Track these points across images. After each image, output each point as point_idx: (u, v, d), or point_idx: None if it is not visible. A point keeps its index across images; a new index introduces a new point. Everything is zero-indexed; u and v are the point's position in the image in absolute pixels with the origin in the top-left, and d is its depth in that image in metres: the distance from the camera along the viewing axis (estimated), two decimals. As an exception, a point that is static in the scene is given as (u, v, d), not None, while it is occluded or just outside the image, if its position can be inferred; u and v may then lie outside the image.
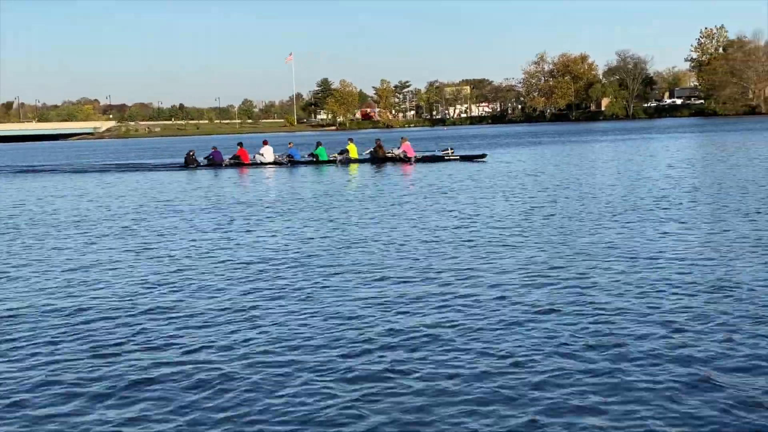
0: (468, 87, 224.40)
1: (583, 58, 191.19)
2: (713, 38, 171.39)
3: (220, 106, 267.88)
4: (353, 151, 43.34)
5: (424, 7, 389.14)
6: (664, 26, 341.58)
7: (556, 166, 36.06)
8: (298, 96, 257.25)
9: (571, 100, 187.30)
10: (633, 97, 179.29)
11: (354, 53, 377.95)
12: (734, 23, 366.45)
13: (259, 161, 43.78)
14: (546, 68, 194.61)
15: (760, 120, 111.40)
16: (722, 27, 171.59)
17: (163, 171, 43.97)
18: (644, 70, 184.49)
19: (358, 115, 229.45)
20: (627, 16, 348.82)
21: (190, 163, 44.84)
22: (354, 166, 41.00)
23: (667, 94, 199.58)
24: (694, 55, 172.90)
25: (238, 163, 43.94)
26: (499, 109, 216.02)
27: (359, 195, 25.25)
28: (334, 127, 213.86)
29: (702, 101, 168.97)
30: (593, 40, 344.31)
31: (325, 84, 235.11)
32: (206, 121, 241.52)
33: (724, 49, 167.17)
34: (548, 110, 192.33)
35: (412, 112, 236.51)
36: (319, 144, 44.45)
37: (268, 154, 44.06)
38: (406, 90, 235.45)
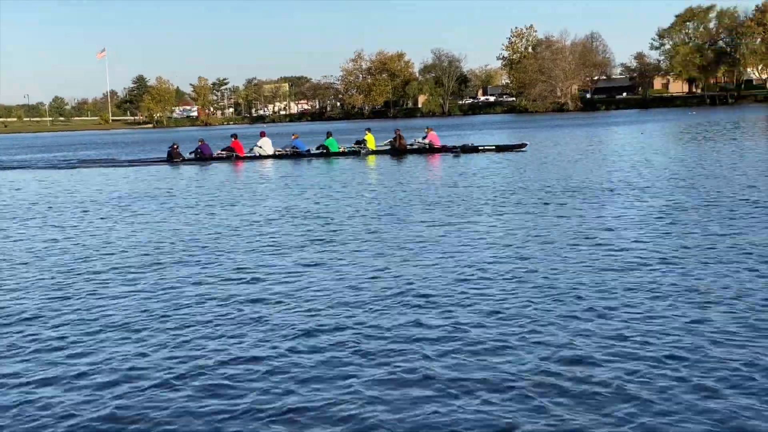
0: (287, 84, 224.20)
1: (400, 56, 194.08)
2: (523, 38, 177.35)
3: (30, 103, 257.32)
4: (371, 142, 41.38)
5: (242, 5, 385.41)
6: (477, 25, 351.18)
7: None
8: (113, 93, 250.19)
9: (389, 98, 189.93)
10: (448, 94, 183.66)
11: (171, 50, 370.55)
12: (543, 23, 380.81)
13: (257, 154, 41.68)
14: (364, 66, 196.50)
15: (568, 117, 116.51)
16: (531, 27, 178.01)
17: (143, 166, 41.78)
18: (459, 68, 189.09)
19: (176, 113, 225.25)
20: (442, 15, 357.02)
21: (174, 158, 42.60)
22: (371, 158, 38.90)
23: (480, 91, 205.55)
24: (506, 54, 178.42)
25: (230, 156, 41.64)
26: (318, 107, 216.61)
27: (380, 192, 23.07)
28: (150, 125, 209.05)
29: (514, 99, 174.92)
30: (409, 39, 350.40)
31: (141, 81, 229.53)
32: (15, 119, 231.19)
33: (533, 49, 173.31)
34: (367, 107, 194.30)
35: (231, 110, 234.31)
36: (329, 134, 42.60)
37: (266, 146, 42.03)
38: (224, 87, 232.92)
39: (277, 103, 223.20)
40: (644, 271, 11.04)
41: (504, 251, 12.85)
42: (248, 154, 41.86)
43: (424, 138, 40.53)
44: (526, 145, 40.04)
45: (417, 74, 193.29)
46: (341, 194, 22.63)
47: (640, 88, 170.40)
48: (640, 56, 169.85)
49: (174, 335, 8.85)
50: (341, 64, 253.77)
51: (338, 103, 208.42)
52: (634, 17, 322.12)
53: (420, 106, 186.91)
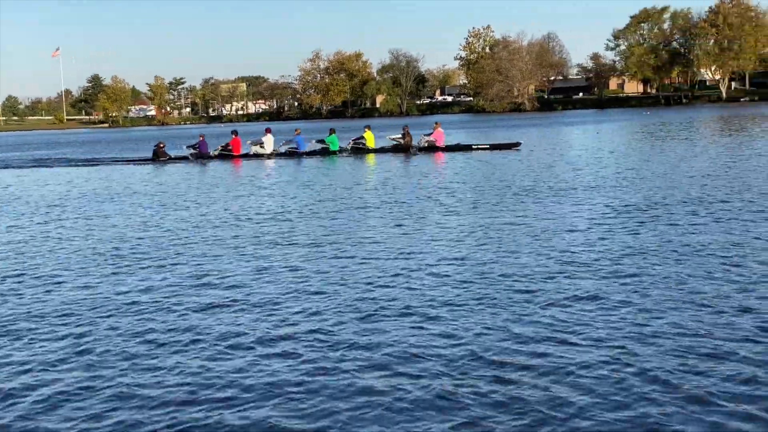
0: (244, 84, 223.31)
1: (358, 56, 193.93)
2: (480, 38, 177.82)
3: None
4: (370, 140, 40.50)
5: (199, 4, 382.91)
6: (435, 25, 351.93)
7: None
8: (67, 92, 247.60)
9: (347, 98, 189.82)
10: (406, 94, 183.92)
11: (127, 50, 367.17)
12: (500, 23, 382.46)
13: (253, 152, 40.86)
14: (322, 66, 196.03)
15: (525, 117, 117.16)
16: (489, 27, 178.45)
17: (126, 165, 41.17)
18: (416, 68, 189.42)
19: (132, 112, 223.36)
20: (400, 15, 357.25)
21: (160, 156, 41.76)
22: (371, 157, 38.24)
23: (438, 91, 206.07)
24: (463, 54, 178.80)
25: (227, 154, 40.81)
26: (275, 107, 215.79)
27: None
28: (106, 125, 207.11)
29: (471, 99, 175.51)
30: (367, 39, 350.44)
31: (96, 80, 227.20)
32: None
33: (490, 49, 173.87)
34: (325, 107, 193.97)
35: (188, 109, 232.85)
36: (332, 131, 41.46)
37: (268, 143, 41.08)
38: (180, 87, 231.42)
39: (235, 103, 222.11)
40: (593, 271, 11.20)
41: (456, 250, 12.97)
42: (248, 152, 41.03)
43: (429, 135, 39.86)
44: (520, 144, 39.74)
45: (375, 74, 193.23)
46: (309, 195, 22.64)
47: (596, 89, 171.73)
48: (596, 57, 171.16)
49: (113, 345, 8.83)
50: (299, 64, 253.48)
51: (296, 103, 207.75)
52: (590, 18, 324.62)
53: (378, 105, 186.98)
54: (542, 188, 21.49)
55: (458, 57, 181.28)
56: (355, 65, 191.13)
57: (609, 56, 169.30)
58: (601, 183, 22.18)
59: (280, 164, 35.99)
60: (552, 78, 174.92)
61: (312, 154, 40.44)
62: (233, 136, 41.79)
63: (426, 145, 39.22)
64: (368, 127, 42.25)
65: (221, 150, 41.17)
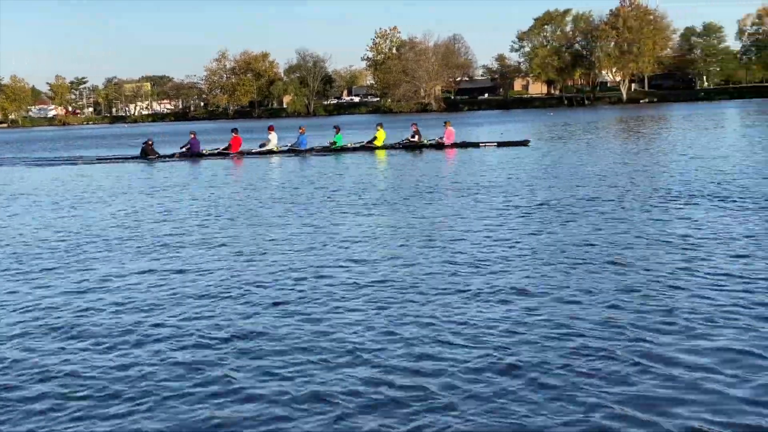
0: (148, 84, 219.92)
1: (264, 56, 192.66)
2: (387, 39, 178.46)
3: None
4: (381, 138, 39.75)
5: (97, 4, 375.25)
6: (341, 26, 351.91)
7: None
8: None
9: (254, 98, 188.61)
10: (313, 94, 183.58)
11: (27, 49, 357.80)
12: (406, 24, 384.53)
13: (255, 150, 39.82)
14: (228, 66, 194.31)
15: (432, 117, 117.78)
16: (395, 28, 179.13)
17: (114, 163, 39.62)
18: (323, 68, 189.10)
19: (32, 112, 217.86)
20: (306, 15, 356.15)
21: (149, 154, 40.03)
22: (382, 153, 37.60)
23: (345, 92, 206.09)
24: (370, 55, 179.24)
25: (224, 153, 39.61)
26: (181, 107, 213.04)
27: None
28: (5, 125, 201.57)
29: (378, 99, 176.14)
30: (274, 39, 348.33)
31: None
32: None
33: (397, 50, 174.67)
34: (231, 107, 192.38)
35: (90, 110, 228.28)
36: (337, 129, 40.74)
37: (272, 141, 40.04)
38: (83, 87, 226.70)
39: (139, 103, 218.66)
40: (486, 270, 11.38)
41: (371, 249, 13.05)
42: (256, 150, 40.04)
43: (441, 137, 39.40)
44: (528, 141, 39.31)
45: (282, 74, 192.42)
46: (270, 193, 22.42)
47: (501, 90, 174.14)
48: (501, 58, 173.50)
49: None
50: (205, 64, 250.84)
51: (202, 103, 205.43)
52: (496, 20, 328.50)
53: (285, 106, 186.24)
54: (442, 188, 21.75)
55: (365, 58, 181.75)
56: (261, 65, 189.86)
57: (514, 58, 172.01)
58: (501, 184, 22.46)
59: (282, 162, 35.57)
60: (458, 79, 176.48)
61: (314, 151, 39.59)
62: (233, 135, 40.71)
63: (433, 142, 39.12)
64: (380, 125, 41.54)
65: (221, 150, 40.27)
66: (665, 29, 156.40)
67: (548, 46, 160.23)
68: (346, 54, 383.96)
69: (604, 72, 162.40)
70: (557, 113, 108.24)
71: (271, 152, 39.60)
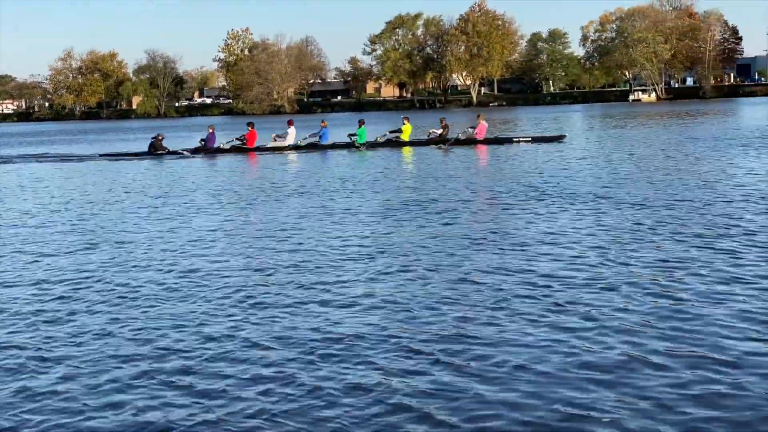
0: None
1: (113, 56, 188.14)
2: (239, 40, 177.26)
3: None
4: (407, 132, 38.22)
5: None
6: (193, 26, 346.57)
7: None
8: None
9: (102, 98, 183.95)
10: (164, 96, 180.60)
11: None
12: (259, 26, 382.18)
13: (271, 145, 38.04)
14: (74, 65, 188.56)
15: (285, 119, 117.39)
16: (247, 29, 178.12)
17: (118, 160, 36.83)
18: (174, 69, 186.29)
19: None
20: (156, 15, 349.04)
21: (158, 149, 37.67)
22: (407, 149, 35.88)
23: (197, 93, 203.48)
24: (222, 56, 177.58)
25: (241, 148, 37.73)
26: (24, 107, 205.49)
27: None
28: None
29: (231, 101, 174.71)
30: (123, 38, 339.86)
31: None
32: None
33: (249, 51, 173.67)
34: (78, 108, 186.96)
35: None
36: (361, 123, 39.03)
37: (291, 136, 38.48)
38: None
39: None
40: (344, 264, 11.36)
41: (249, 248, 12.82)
42: (273, 144, 38.47)
43: (473, 127, 37.86)
44: (565, 136, 38.27)
45: (131, 75, 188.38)
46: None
47: (354, 92, 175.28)
48: (353, 61, 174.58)
49: None
50: (50, 64, 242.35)
51: (47, 104, 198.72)
52: (348, 23, 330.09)
53: (135, 107, 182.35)
54: (310, 188, 21.67)
55: (217, 59, 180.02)
56: (109, 65, 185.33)
57: (366, 61, 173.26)
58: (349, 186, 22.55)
59: (301, 157, 34.41)
60: (311, 81, 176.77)
61: (336, 146, 38.41)
62: (249, 128, 38.91)
63: (463, 137, 37.64)
64: (407, 118, 40.06)
65: (236, 142, 38.61)
66: (513, 34, 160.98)
67: (400, 50, 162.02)
68: (198, 55, 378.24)
69: (454, 75, 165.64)
70: (411, 115, 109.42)
71: (290, 147, 38.34)
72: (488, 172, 25.43)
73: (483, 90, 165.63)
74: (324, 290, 10.09)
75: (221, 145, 38.51)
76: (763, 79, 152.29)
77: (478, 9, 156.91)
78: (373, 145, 37.64)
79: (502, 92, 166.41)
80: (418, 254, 12.05)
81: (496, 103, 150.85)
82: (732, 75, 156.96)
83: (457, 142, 36.85)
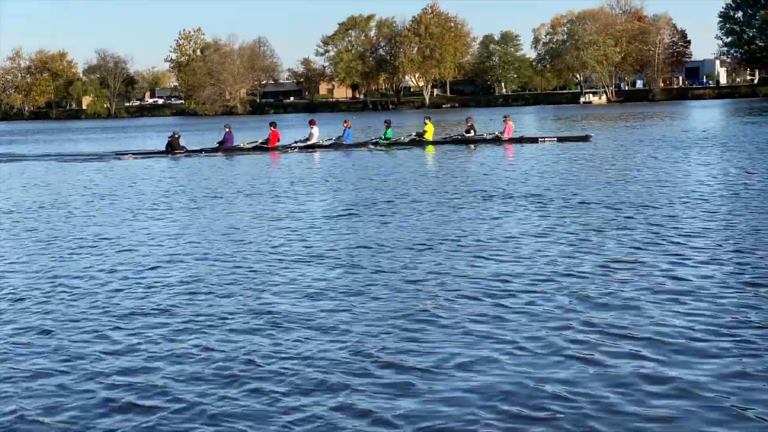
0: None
1: (62, 56, 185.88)
2: (191, 40, 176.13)
3: None
4: (430, 132, 37.82)
5: None
6: (144, 26, 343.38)
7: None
8: None
9: (51, 98, 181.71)
10: (115, 96, 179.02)
11: None
12: (210, 26, 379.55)
13: (294, 146, 37.58)
14: (23, 65, 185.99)
15: (238, 120, 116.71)
16: (199, 29, 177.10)
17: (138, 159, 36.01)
18: (125, 69, 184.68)
19: None
20: (106, 14, 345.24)
21: (175, 148, 36.83)
22: (430, 149, 35.66)
23: (148, 93, 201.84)
24: (174, 56, 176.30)
25: (263, 147, 37.13)
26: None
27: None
28: None
29: (183, 101, 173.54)
30: (73, 38, 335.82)
31: None
32: None
33: (201, 51, 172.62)
34: (27, 108, 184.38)
35: None
36: (388, 124, 38.63)
37: (314, 135, 38.03)
38: None
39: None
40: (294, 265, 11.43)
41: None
42: (295, 144, 37.97)
43: (502, 132, 37.44)
44: (590, 136, 38.05)
45: (81, 75, 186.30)
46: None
47: (306, 93, 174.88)
48: (306, 62, 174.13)
49: None
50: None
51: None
52: (300, 24, 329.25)
53: (85, 107, 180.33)
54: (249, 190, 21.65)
55: (169, 59, 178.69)
56: (59, 65, 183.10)
57: (319, 62, 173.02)
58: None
59: (323, 157, 34.04)
60: (264, 82, 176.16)
61: (360, 145, 38.11)
62: (272, 128, 38.40)
63: (490, 137, 37.60)
64: (428, 118, 39.77)
65: (259, 144, 38.09)
66: (465, 36, 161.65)
67: (353, 51, 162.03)
68: (149, 55, 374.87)
69: (407, 77, 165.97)
70: (362, 117, 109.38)
71: (314, 146, 37.93)
72: (482, 171, 25.58)
73: (436, 92, 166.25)
74: (265, 295, 10.14)
75: (242, 144, 38.31)
76: (711, 82, 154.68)
77: (430, 11, 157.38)
78: (395, 144, 37.58)
79: (454, 94, 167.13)
80: (362, 255, 12.16)
81: (448, 105, 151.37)
82: (681, 78, 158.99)
83: (484, 141, 37.13)
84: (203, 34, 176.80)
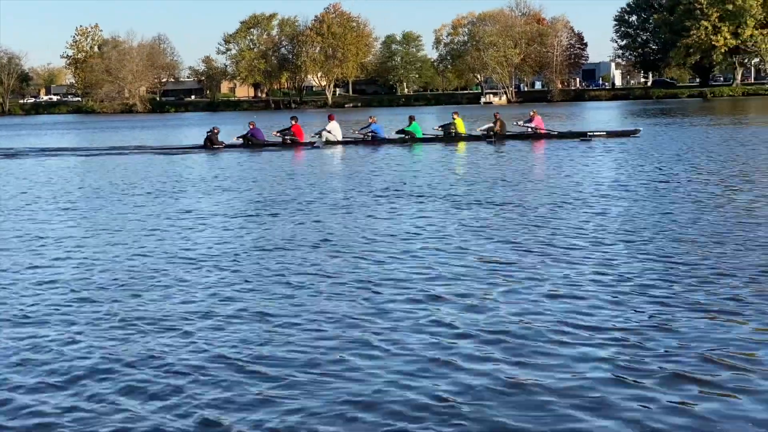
0: None
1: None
2: (88, 36, 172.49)
3: None
4: (461, 126, 37.09)
5: None
6: (40, 22, 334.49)
7: None
8: None
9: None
10: (8, 93, 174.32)
11: None
12: (108, 23, 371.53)
13: (323, 139, 36.77)
14: None
15: (137, 118, 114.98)
16: (97, 26, 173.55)
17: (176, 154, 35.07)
18: (19, 65, 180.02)
19: None
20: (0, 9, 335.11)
21: (214, 144, 35.94)
22: (462, 145, 35.08)
23: (44, 90, 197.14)
24: (71, 53, 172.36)
25: (292, 141, 36.12)
26: None
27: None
28: None
29: (80, 99, 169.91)
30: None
31: None
32: None
33: (99, 48, 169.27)
34: None
35: None
36: (412, 119, 37.79)
37: (335, 130, 37.39)
38: None
39: None
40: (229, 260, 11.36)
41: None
42: (312, 140, 36.76)
43: (528, 121, 36.93)
44: (639, 130, 37.62)
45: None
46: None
47: (208, 91, 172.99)
48: (207, 60, 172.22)
49: None
50: None
51: None
52: (202, 21, 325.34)
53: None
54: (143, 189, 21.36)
55: (65, 56, 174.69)
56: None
57: (221, 60, 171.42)
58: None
59: (352, 152, 33.31)
60: (164, 80, 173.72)
61: (396, 141, 37.16)
62: (293, 123, 37.30)
63: (518, 131, 37.32)
64: (456, 113, 38.69)
65: (284, 137, 36.93)
66: (368, 36, 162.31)
67: (255, 50, 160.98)
68: (45, 52, 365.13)
69: (310, 76, 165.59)
70: (263, 116, 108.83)
71: (338, 143, 37.27)
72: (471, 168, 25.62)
73: (338, 91, 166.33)
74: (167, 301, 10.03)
75: (275, 133, 37.90)
76: (606, 84, 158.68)
77: (333, 10, 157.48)
78: (423, 140, 37.14)
79: (357, 93, 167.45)
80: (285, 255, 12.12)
81: (351, 105, 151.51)
82: (578, 80, 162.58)
83: (523, 137, 37.02)
84: (101, 31, 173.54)
